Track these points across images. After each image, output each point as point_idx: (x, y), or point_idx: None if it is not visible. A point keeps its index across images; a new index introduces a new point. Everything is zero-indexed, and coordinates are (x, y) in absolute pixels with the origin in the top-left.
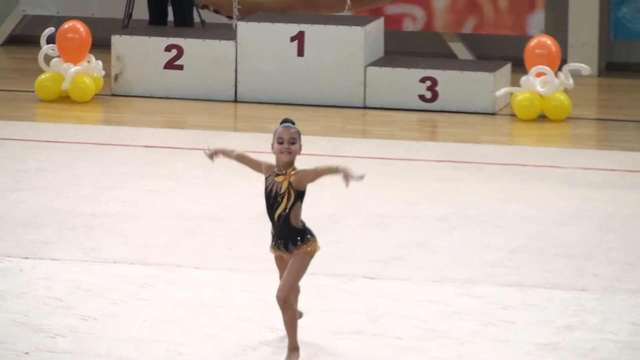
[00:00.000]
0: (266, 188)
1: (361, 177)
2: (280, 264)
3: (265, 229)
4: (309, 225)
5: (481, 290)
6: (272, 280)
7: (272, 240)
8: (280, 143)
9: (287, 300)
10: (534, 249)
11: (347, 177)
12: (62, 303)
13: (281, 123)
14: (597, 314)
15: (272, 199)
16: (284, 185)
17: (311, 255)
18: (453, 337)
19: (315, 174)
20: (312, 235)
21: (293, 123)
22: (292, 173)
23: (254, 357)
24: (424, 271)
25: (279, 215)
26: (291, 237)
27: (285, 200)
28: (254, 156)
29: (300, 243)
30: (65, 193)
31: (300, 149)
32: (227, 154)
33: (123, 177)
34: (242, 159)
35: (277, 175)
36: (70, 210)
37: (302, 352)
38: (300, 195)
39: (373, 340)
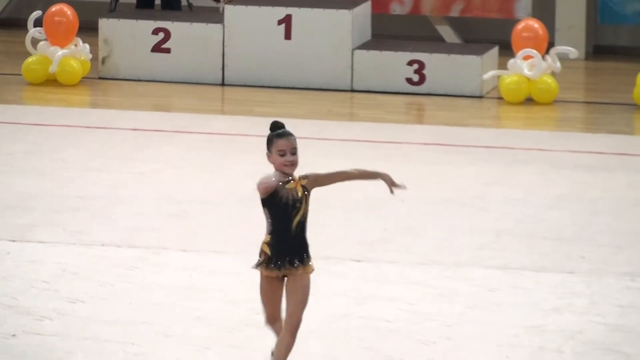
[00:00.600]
0: (281, 200)
1: (404, 187)
2: (272, 285)
3: (250, 212)
4: None
5: (468, 272)
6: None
7: (271, 261)
8: (282, 155)
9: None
10: (521, 232)
11: (391, 184)
12: (49, 285)
13: (272, 129)
14: (584, 296)
15: (289, 208)
16: (300, 191)
17: (309, 276)
18: (440, 320)
19: (329, 178)
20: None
21: (284, 126)
22: (301, 177)
23: (240, 339)
24: (410, 254)
25: (298, 222)
26: (300, 250)
27: (303, 205)
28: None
29: (306, 259)
30: (52, 176)
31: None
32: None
33: (110, 160)
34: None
35: (286, 183)
36: (57, 193)
37: None
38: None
39: (360, 323)
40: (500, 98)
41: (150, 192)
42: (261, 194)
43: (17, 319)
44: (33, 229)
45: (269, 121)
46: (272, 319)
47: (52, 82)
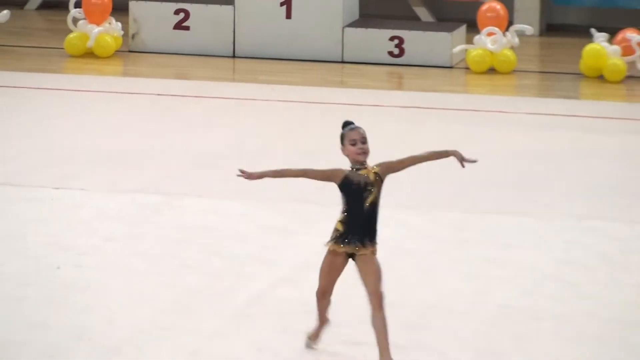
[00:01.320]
0: (352, 184)
1: (475, 160)
2: (335, 261)
3: (256, 163)
4: None
5: (440, 215)
6: (265, 207)
7: (343, 238)
8: (354, 145)
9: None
10: (485, 181)
11: (461, 160)
12: (88, 226)
13: (344, 126)
14: (535, 234)
15: (361, 191)
16: (371, 176)
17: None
18: (417, 256)
19: (401, 163)
20: None
21: (353, 123)
22: (375, 165)
23: (250, 270)
24: (389, 198)
25: (371, 203)
26: (371, 231)
27: (376, 189)
28: (314, 167)
29: (375, 239)
30: (90, 134)
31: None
32: (270, 175)
33: (138, 120)
34: (300, 174)
35: (358, 170)
36: (94, 148)
37: (288, 265)
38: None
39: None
40: (467, 68)
41: (172, 147)
42: (336, 180)
43: (61, 254)
44: (74, 178)
45: (272, 87)
46: (323, 293)
47: (89, 55)
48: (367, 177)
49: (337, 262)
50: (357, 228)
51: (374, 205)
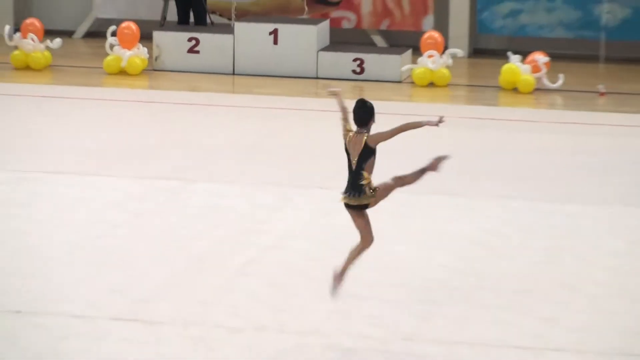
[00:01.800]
0: (348, 146)
1: (442, 119)
2: (351, 214)
3: (253, 155)
4: None
5: (408, 197)
6: (257, 190)
7: (344, 189)
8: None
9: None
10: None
11: (430, 124)
12: (120, 205)
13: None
14: (465, 209)
15: (350, 154)
16: (362, 141)
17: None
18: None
19: (389, 134)
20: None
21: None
22: (367, 134)
23: (246, 237)
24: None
25: (356, 163)
26: (355, 187)
27: (363, 152)
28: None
29: (361, 195)
30: (121, 132)
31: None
32: (339, 102)
33: (160, 122)
34: (345, 112)
35: (360, 133)
36: (124, 144)
37: (276, 234)
38: (372, 151)
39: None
40: (413, 83)
41: (186, 144)
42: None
43: (99, 226)
44: (109, 167)
45: (264, 98)
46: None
47: (122, 73)
48: (360, 141)
49: (352, 215)
50: (348, 183)
51: (358, 166)
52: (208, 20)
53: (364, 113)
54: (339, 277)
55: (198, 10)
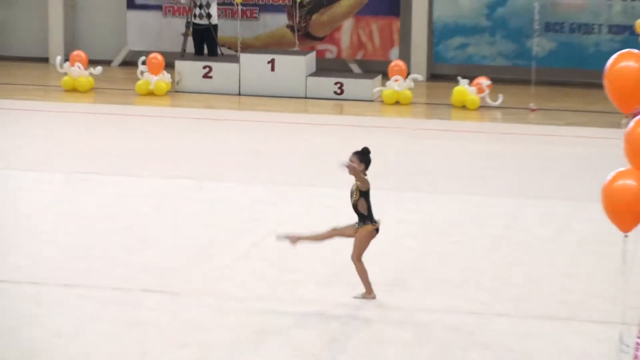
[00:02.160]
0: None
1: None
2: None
3: (251, 162)
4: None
5: (383, 193)
6: (257, 187)
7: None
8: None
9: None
10: (396, 169)
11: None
12: (136, 200)
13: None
14: (426, 203)
15: (351, 194)
16: (354, 186)
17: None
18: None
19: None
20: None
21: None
22: (356, 182)
23: (248, 226)
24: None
25: (353, 202)
26: (357, 218)
27: (356, 194)
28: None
29: (361, 224)
30: (144, 142)
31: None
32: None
33: (180, 133)
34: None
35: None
36: (149, 150)
37: (273, 224)
38: (363, 194)
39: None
40: (382, 101)
41: (201, 149)
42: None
43: (113, 223)
44: (138, 168)
45: (266, 115)
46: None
47: (150, 94)
48: (353, 187)
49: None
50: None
51: (355, 204)
52: (219, 52)
53: (369, 157)
54: (294, 239)
55: (211, 44)
